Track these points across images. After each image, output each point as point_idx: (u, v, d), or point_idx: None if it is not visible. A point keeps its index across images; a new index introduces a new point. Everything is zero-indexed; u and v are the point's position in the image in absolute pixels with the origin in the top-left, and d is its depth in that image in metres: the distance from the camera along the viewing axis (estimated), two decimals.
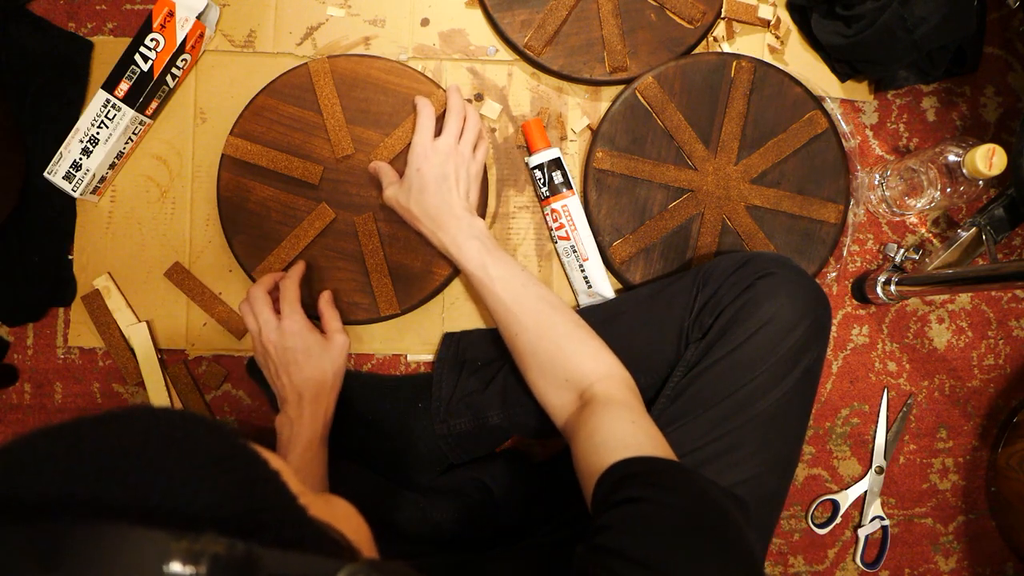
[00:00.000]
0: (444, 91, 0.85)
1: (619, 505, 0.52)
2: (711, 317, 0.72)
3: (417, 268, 0.86)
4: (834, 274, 0.95)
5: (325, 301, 0.82)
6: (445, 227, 0.76)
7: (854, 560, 0.96)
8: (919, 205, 0.88)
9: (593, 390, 0.66)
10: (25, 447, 0.29)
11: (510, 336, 0.73)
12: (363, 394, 0.86)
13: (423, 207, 0.77)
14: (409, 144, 0.80)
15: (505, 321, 0.73)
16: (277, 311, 0.78)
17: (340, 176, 0.86)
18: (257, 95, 0.86)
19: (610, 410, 0.63)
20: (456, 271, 0.87)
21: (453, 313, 0.91)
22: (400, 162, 0.85)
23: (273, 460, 0.34)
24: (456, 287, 0.91)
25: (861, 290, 0.94)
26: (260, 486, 0.31)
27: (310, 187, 0.86)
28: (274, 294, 0.80)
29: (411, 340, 0.91)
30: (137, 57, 0.83)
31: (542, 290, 0.74)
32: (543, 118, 0.91)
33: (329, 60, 0.86)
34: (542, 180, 0.87)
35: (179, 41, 0.84)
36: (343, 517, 0.38)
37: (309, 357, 0.75)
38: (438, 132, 0.80)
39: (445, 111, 0.81)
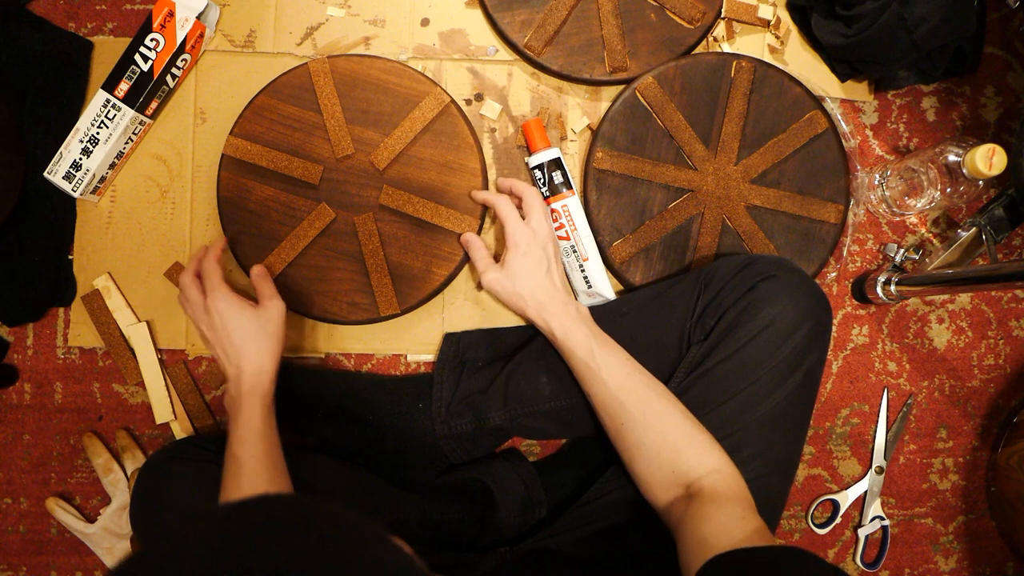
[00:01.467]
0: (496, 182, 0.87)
1: None
2: (713, 319, 0.72)
3: (417, 268, 0.86)
4: (834, 274, 0.95)
5: (257, 275, 0.79)
6: (554, 312, 0.76)
7: (854, 560, 0.96)
8: (919, 205, 0.88)
9: (700, 483, 0.64)
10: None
11: (615, 425, 0.71)
12: (363, 394, 0.86)
13: (531, 291, 0.77)
14: (407, 146, 0.81)
15: (611, 410, 0.71)
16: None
17: (340, 176, 0.86)
18: (257, 95, 0.86)
19: (717, 505, 0.61)
20: (456, 271, 0.87)
21: (453, 313, 0.91)
22: (401, 163, 0.86)
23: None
24: (456, 287, 0.91)
25: (861, 290, 0.94)
26: None
27: (310, 187, 0.86)
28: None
29: (411, 340, 0.91)
30: (137, 57, 0.83)
31: (648, 378, 0.72)
32: (543, 118, 0.91)
33: (329, 60, 0.86)
34: (542, 180, 0.87)
35: (179, 41, 0.84)
36: None
37: (240, 327, 0.73)
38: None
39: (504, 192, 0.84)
